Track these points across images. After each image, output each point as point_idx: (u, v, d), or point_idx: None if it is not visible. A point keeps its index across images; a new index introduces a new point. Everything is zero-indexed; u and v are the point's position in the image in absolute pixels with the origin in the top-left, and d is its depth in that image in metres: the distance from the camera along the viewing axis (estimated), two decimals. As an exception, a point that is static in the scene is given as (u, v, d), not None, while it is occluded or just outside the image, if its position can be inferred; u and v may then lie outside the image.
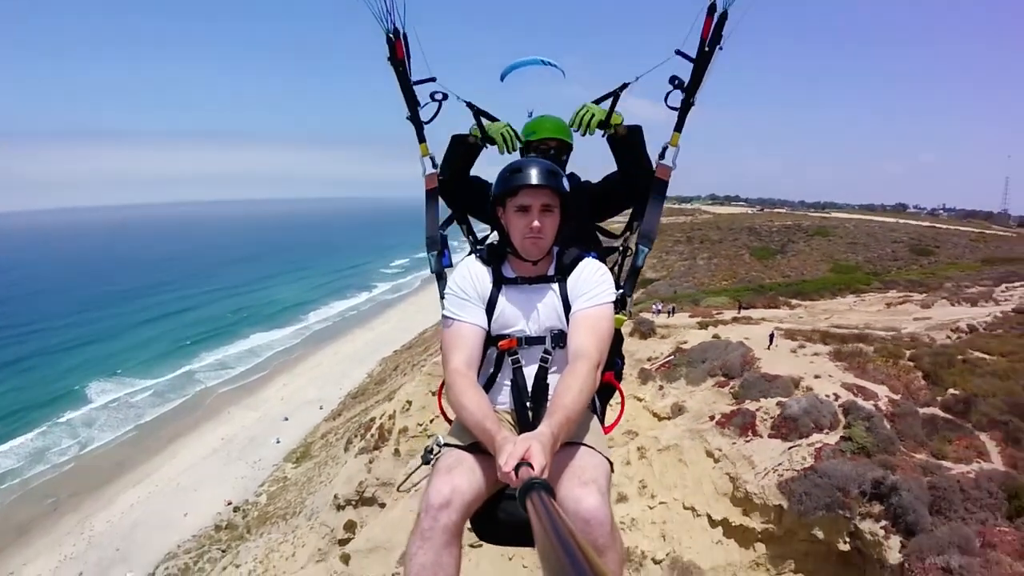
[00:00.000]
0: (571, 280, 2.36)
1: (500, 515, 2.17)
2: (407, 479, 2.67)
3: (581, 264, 2.39)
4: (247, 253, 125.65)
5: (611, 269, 2.67)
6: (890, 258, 55.57)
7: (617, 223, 3.15)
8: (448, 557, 1.82)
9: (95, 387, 43.98)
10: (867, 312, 31.06)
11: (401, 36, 2.76)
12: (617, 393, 2.78)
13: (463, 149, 2.93)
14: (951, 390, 13.69)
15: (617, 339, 2.71)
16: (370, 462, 16.88)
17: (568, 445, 2.01)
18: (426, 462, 2.14)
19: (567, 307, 2.33)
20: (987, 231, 74.07)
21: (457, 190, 2.99)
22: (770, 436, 12.78)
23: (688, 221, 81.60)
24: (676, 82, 2.66)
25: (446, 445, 2.11)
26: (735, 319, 27.49)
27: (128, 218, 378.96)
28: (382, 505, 15.75)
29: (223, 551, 26.39)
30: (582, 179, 3.15)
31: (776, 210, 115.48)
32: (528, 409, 2.26)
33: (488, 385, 2.34)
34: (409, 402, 18.12)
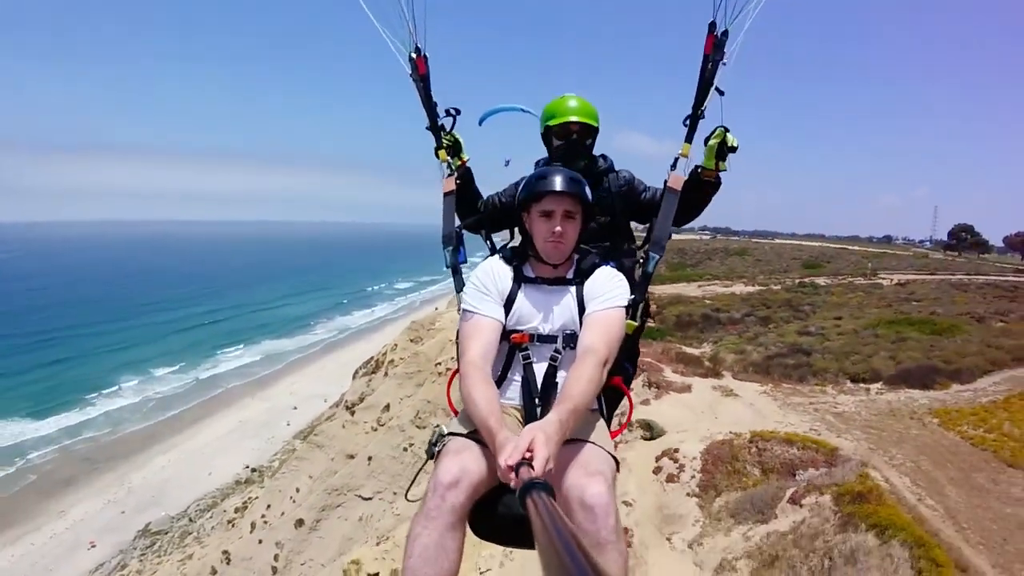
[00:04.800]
0: (588, 284, 2.47)
1: (500, 508, 2.09)
2: (413, 481, 2.51)
3: (599, 270, 2.52)
4: (269, 273, 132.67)
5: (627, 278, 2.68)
6: (781, 270, 61.21)
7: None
8: (451, 541, 1.85)
9: (129, 384, 48.97)
10: (681, 289, 40.99)
11: (422, 55, 2.93)
12: (625, 401, 2.81)
13: (460, 194, 3.04)
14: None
15: (630, 346, 2.75)
16: (369, 381, 23.09)
17: (575, 441, 2.05)
18: (430, 456, 2.15)
19: (582, 309, 2.42)
20: (887, 251, 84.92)
21: (486, 221, 3.16)
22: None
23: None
24: (693, 104, 2.76)
25: (451, 434, 2.16)
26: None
27: (155, 233, 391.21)
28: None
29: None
30: (633, 175, 3.15)
31: (731, 237, 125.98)
32: (536, 406, 2.30)
33: (499, 381, 2.39)
34: (395, 344, 24.66)
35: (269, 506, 19.36)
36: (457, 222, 3.03)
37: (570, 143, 3.01)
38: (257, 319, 73.39)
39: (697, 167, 2.82)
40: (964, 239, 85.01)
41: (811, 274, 51.08)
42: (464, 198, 3.09)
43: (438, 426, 2.27)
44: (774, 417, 12.36)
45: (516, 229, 2.88)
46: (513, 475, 1.61)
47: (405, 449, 16.72)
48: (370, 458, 16.92)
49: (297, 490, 18.95)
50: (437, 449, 2.13)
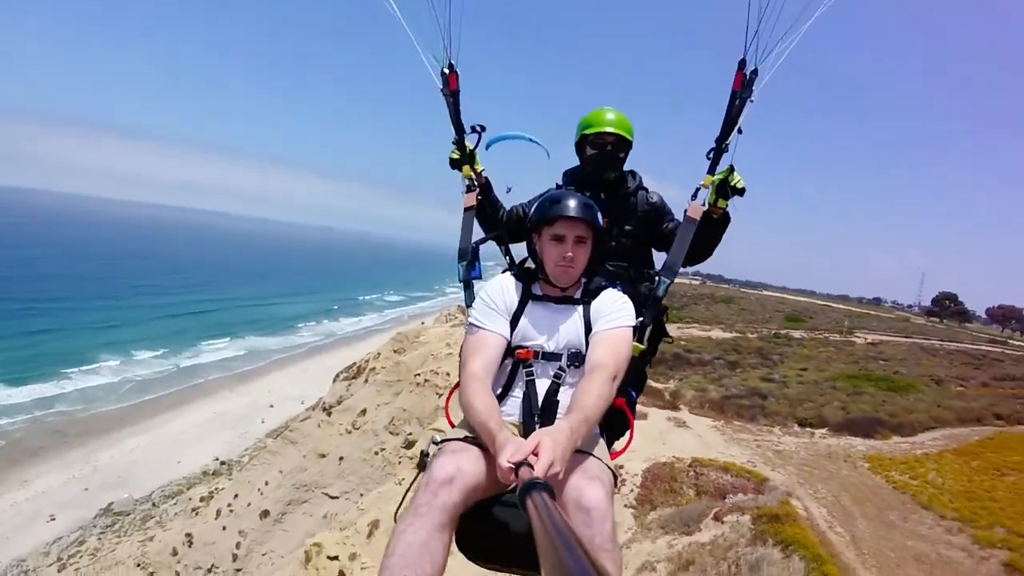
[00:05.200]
0: (594, 304, 2.48)
1: (493, 521, 2.03)
2: (403, 499, 2.26)
3: (605, 292, 2.53)
4: (263, 271, 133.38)
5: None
6: (762, 320, 61.97)
7: None
8: (438, 543, 1.76)
9: (108, 363, 48.91)
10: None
11: (455, 70, 3.00)
12: (625, 427, 2.75)
13: (481, 207, 3.13)
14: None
15: (637, 370, 2.77)
16: (349, 386, 23.72)
17: (576, 452, 1.97)
18: (422, 467, 2.09)
19: (588, 329, 2.43)
20: (871, 312, 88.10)
21: (512, 230, 3.13)
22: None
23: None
24: (717, 137, 2.81)
25: (445, 440, 2.14)
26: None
27: (153, 217, 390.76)
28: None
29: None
30: (664, 201, 3.16)
31: (721, 285, 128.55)
32: (536, 422, 2.27)
33: (501, 396, 2.38)
34: (379, 353, 25.40)
35: (236, 496, 19.79)
36: (474, 237, 3.05)
37: (603, 153, 3.05)
38: (246, 315, 73.49)
39: (699, 189, 2.87)
40: (947, 307, 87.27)
41: (791, 327, 52.36)
42: (484, 210, 3.16)
43: (433, 437, 2.24)
44: (718, 448, 13.70)
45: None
46: (513, 475, 1.58)
47: (376, 453, 17.30)
48: (341, 458, 17.57)
49: (266, 483, 19.44)
50: (430, 461, 2.03)
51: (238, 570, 16.33)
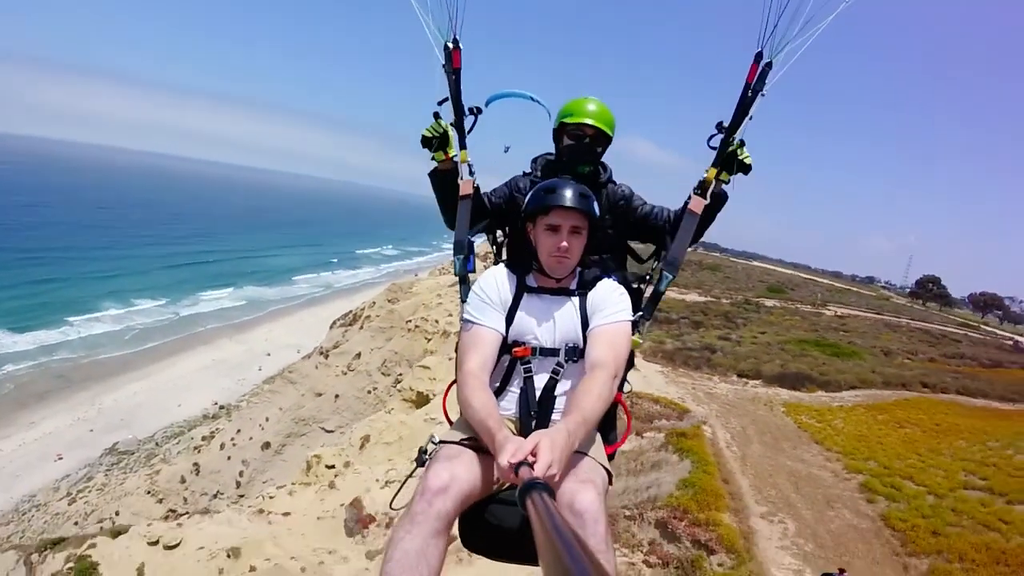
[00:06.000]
0: (591, 296, 2.42)
1: (489, 519, 2.08)
2: (400, 489, 2.41)
3: (601, 283, 2.46)
4: (264, 222, 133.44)
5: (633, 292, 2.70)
6: (745, 289, 61.96)
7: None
8: (434, 549, 1.79)
9: (111, 312, 49.54)
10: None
11: (459, 46, 2.81)
12: (618, 424, 2.74)
13: (439, 182, 2.93)
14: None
15: (628, 360, 2.60)
16: (345, 332, 24.69)
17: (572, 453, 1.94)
18: (421, 463, 2.10)
19: (585, 322, 2.38)
20: (853, 289, 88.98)
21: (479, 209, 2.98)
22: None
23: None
24: (720, 126, 2.73)
25: (443, 442, 2.14)
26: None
27: (153, 166, 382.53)
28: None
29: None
30: (633, 190, 3.04)
31: (713, 253, 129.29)
32: (533, 418, 2.27)
33: (498, 392, 2.36)
34: (374, 302, 26.33)
35: (239, 430, 20.99)
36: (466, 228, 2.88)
37: (580, 145, 2.89)
38: (245, 265, 74.24)
39: (702, 181, 2.78)
40: (930, 289, 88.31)
41: (770, 296, 52.99)
42: (447, 198, 2.94)
43: (432, 436, 2.24)
44: (657, 386, 15.68)
45: (501, 235, 3.02)
46: (513, 475, 1.58)
47: (369, 392, 18.40)
48: (337, 396, 18.69)
49: (267, 419, 20.60)
50: (428, 459, 2.08)
51: (241, 495, 17.62)
